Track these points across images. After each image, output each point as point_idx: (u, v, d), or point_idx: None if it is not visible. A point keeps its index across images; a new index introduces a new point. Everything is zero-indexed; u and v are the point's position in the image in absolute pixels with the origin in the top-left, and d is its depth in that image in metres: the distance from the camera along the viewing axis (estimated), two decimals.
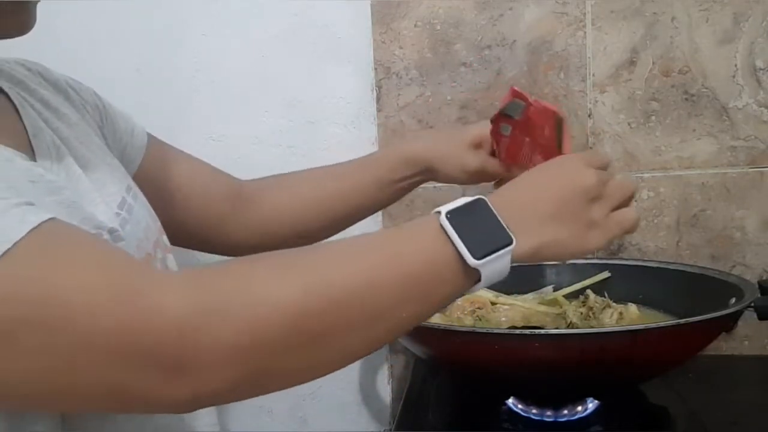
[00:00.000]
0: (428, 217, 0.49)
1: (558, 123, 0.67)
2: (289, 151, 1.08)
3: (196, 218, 0.75)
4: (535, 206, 0.52)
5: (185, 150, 1.08)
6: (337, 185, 0.80)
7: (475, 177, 0.75)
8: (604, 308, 0.86)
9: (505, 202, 0.50)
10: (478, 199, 0.50)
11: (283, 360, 0.42)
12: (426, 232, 0.48)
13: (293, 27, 1.06)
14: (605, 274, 0.95)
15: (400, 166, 0.78)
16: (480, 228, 0.48)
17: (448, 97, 1.03)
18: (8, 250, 0.38)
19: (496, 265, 0.48)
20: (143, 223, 0.61)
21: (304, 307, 0.42)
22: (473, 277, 0.48)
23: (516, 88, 0.68)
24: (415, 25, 1.02)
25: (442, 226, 0.47)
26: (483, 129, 0.73)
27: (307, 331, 0.42)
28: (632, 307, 0.87)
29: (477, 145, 0.75)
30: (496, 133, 0.71)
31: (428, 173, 0.78)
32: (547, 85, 1.01)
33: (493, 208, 0.49)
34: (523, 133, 0.69)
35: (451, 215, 0.47)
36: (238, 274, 0.44)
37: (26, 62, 0.65)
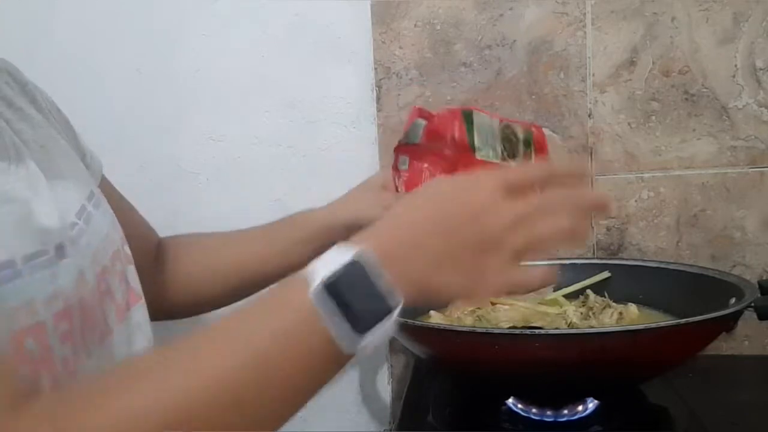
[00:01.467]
0: (300, 292, 0.42)
1: (467, 118, 0.67)
2: (289, 151, 1.08)
3: None
4: (422, 247, 0.45)
5: (185, 150, 1.10)
6: (237, 256, 0.81)
7: None
8: (604, 308, 0.86)
9: (388, 246, 0.44)
10: (354, 263, 0.42)
11: None
12: (298, 318, 0.41)
13: (293, 27, 1.06)
14: (605, 274, 0.94)
15: (321, 235, 0.79)
16: (359, 303, 0.41)
17: (448, 97, 1.03)
18: None
19: (377, 336, 0.42)
20: (103, 232, 0.59)
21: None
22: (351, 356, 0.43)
23: (419, 107, 0.73)
24: (415, 25, 1.02)
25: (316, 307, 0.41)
26: (387, 171, 0.79)
27: None
28: (632, 307, 0.87)
29: (388, 186, 0.81)
30: (395, 168, 0.76)
31: (355, 230, 0.77)
32: (547, 85, 1.01)
33: (373, 271, 0.42)
34: (421, 159, 0.71)
35: (327, 291, 0.41)
36: (99, 404, 0.39)
37: None
